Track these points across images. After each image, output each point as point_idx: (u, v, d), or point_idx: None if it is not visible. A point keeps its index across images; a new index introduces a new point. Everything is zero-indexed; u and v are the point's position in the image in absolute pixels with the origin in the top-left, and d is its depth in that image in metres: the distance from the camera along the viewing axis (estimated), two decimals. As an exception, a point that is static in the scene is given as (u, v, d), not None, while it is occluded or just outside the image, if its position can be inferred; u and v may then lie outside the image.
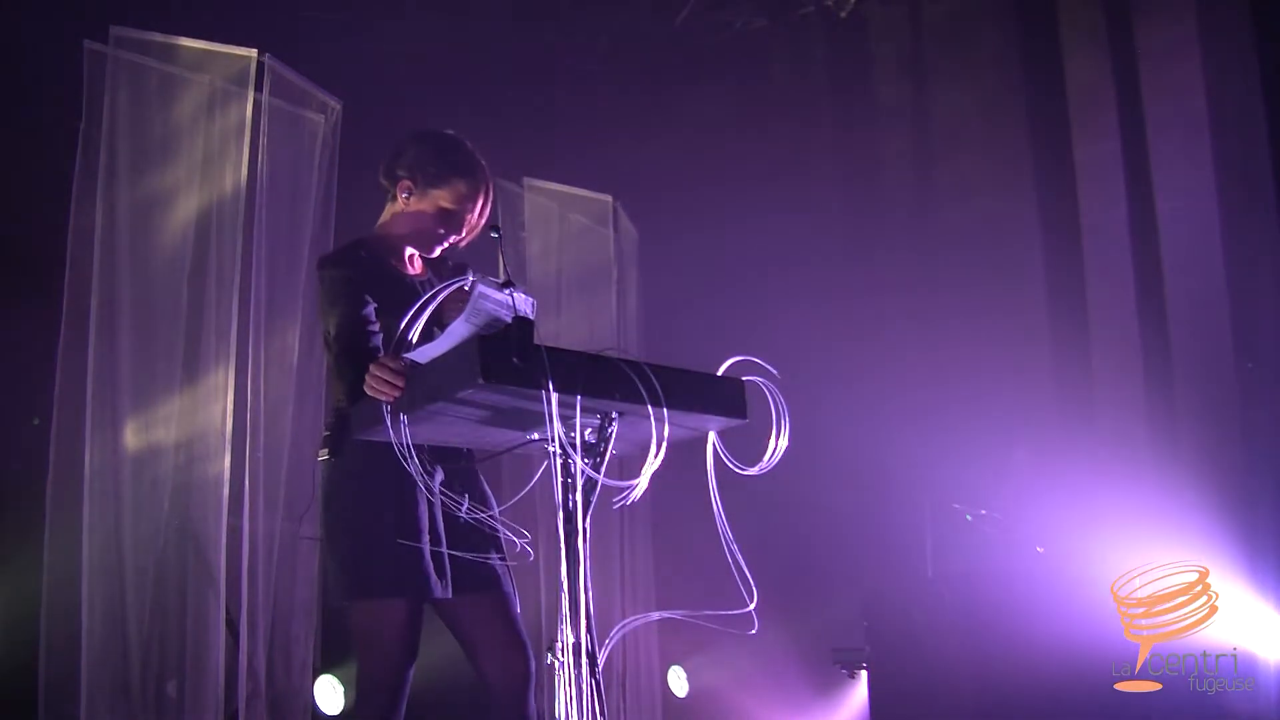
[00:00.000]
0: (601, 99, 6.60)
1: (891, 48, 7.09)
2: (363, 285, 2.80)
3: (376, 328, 2.79)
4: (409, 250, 2.99)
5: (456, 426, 2.42)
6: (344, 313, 2.80)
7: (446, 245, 2.99)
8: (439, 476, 2.79)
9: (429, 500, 2.75)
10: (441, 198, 2.92)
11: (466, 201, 2.94)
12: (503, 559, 2.84)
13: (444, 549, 2.72)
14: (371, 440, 2.48)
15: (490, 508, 2.87)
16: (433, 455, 2.70)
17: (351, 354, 2.73)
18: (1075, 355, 6.12)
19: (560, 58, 6.57)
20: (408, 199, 2.94)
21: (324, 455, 2.81)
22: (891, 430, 6.10)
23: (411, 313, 2.45)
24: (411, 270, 2.98)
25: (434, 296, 2.49)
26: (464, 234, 2.99)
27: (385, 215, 3.01)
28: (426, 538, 2.71)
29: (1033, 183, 6.37)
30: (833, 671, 5.91)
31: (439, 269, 3.04)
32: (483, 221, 3.00)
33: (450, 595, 2.75)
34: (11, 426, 4.29)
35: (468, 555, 2.75)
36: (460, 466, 2.82)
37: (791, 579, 5.29)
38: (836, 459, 5.82)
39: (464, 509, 2.72)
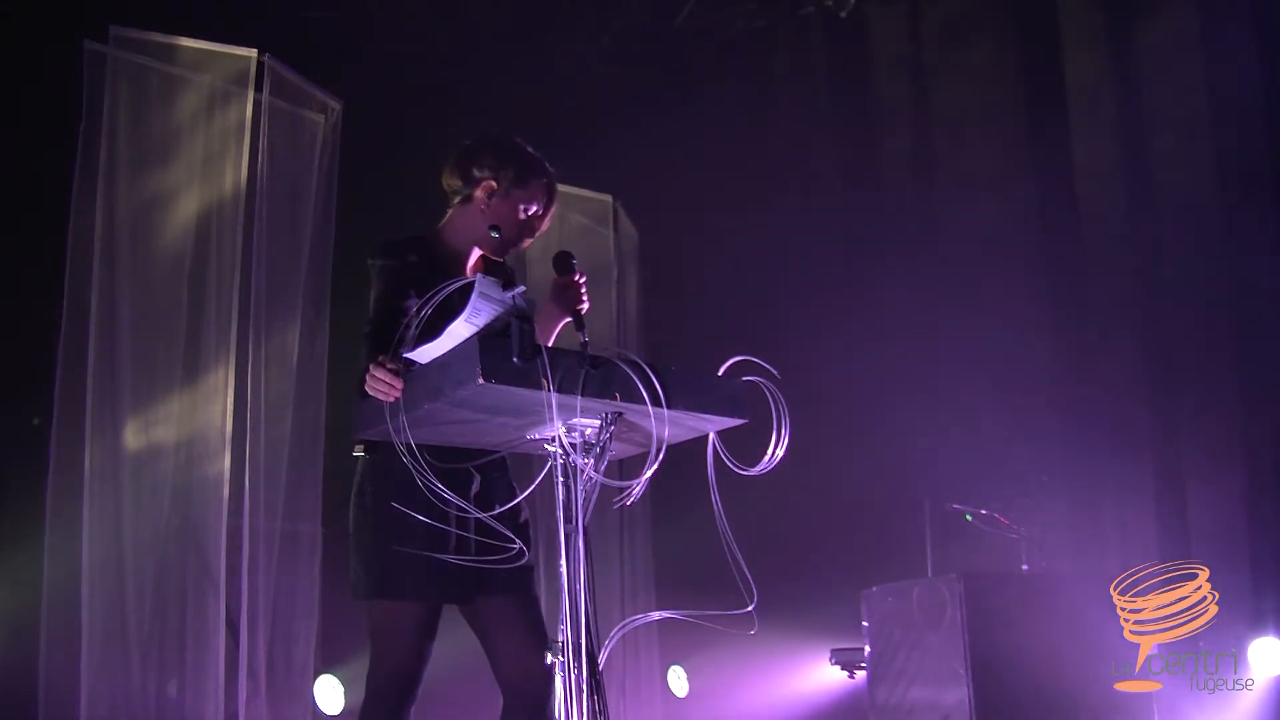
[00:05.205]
0: (601, 99, 6.60)
1: (891, 48, 7.09)
2: (405, 279, 2.74)
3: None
4: (474, 251, 2.95)
5: (457, 426, 2.42)
6: (375, 304, 2.78)
7: (515, 248, 2.97)
8: (476, 482, 2.77)
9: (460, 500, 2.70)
10: (523, 199, 2.91)
11: (543, 206, 2.94)
12: (530, 564, 2.80)
13: (471, 551, 2.68)
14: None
15: (519, 511, 2.83)
16: (466, 458, 2.66)
17: (369, 348, 2.71)
18: (1075, 354, 6.12)
19: (560, 58, 6.56)
20: (489, 200, 2.91)
21: (358, 451, 2.80)
22: (891, 430, 6.11)
23: (413, 313, 2.44)
24: (466, 272, 2.93)
25: (434, 297, 2.47)
26: (533, 238, 2.99)
27: (453, 215, 2.97)
28: (452, 539, 2.69)
29: (1033, 183, 6.37)
30: (832, 671, 5.92)
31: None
32: (543, 228, 2.98)
33: (467, 599, 2.73)
34: (11, 426, 4.28)
35: (492, 560, 2.70)
36: (470, 467, 2.77)
37: (792, 579, 5.28)
38: (837, 458, 5.82)
39: (473, 511, 2.69)
